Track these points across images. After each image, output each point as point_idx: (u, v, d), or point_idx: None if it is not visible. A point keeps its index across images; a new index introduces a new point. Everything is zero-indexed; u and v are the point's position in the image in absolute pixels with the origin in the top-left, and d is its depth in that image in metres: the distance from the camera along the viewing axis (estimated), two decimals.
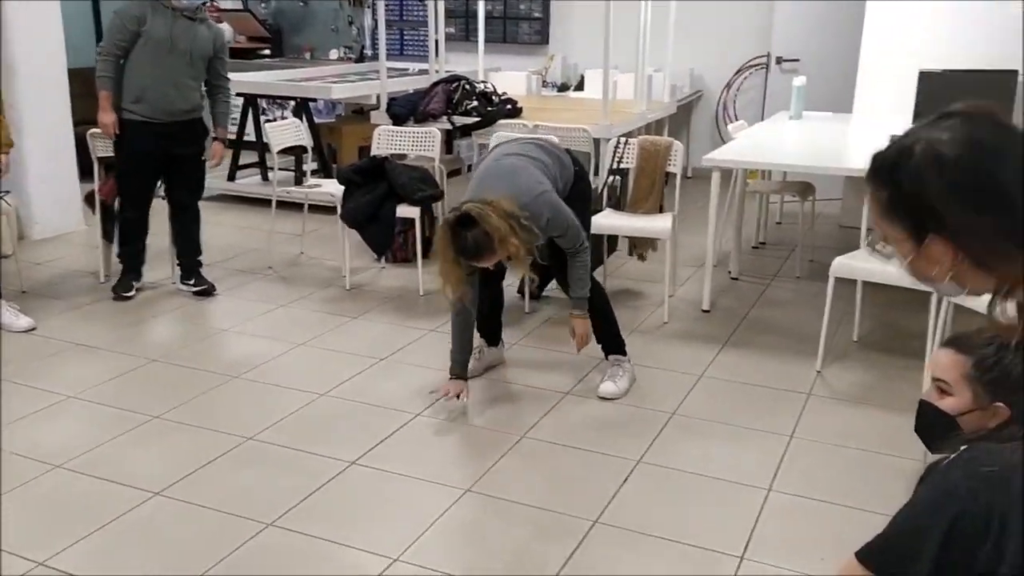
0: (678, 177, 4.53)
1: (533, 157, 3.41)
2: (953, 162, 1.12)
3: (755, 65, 7.38)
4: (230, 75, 4.81)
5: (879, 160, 1.20)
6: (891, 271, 3.61)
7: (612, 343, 3.66)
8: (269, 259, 5.30)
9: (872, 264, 3.67)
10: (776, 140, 5.05)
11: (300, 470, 2.97)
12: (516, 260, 3.08)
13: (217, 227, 6.12)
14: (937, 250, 1.16)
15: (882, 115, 5.68)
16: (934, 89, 4.91)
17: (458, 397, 3.34)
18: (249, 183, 6.94)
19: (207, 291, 4.70)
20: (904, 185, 1.16)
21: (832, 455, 3.09)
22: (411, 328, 4.25)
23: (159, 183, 4.64)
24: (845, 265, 3.69)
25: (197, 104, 4.58)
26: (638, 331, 4.23)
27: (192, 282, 4.71)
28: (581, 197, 3.64)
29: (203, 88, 4.65)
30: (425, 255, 5.30)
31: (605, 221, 4.44)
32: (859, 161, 4.41)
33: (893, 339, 4.14)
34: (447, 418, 3.35)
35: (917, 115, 4.93)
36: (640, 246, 4.75)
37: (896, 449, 3.09)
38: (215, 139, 4.70)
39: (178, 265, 4.79)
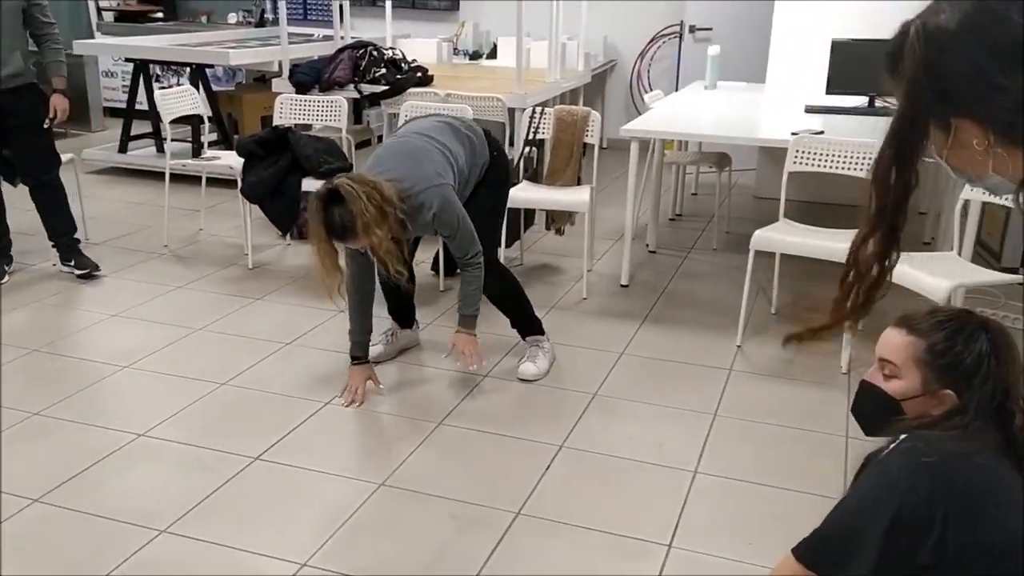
0: (596, 148, 4.39)
1: (441, 141, 3.13)
2: (951, 31, 1.01)
3: (669, 34, 7.30)
4: (117, 40, 4.43)
5: (885, 57, 1.09)
6: (808, 243, 3.57)
7: (528, 326, 3.51)
8: (164, 237, 4.97)
9: (791, 237, 3.62)
10: (692, 110, 4.96)
11: (197, 468, 2.74)
12: (377, 251, 2.83)
13: (107, 203, 5.74)
14: (966, 134, 1.06)
15: (795, 85, 5.66)
16: (846, 59, 4.89)
17: (359, 393, 3.15)
18: (142, 155, 6.53)
19: (91, 273, 4.36)
20: (908, 69, 1.04)
21: (756, 432, 3.02)
22: (318, 309, 4.02)
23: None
24: (764, 238, 3.63)
25: (20, 68, 4.07)
26: (557, 308, 4.10)
27: (73, 263, 4.37)
28: (494, 184, 3.38)
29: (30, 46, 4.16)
30: None
31: (522, 194, 4.28)
32: (773, 131, 4.37)
33: (811, 311, 4.10)
34: (357, 406, 3.15)
35: (830, 84, 4.91)
36: (558, 220, 4.62)
37: (819, 424, 3.04)
38: (54, 91, 4.21)
39: (53, 247, 4.43)
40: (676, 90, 6.86)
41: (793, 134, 4.00)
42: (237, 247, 4.85)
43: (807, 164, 3.76)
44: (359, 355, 3.20)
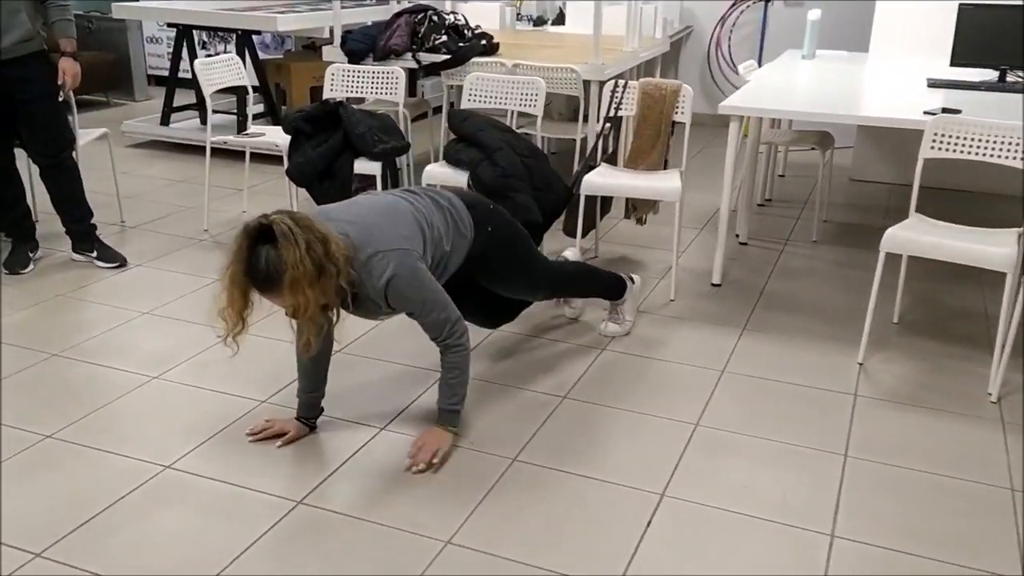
0: (687, 127, 3.84)
1: (418, 206, 2.57)
2: None
3: None
4: (159, 3, 3.97)
5: None
6: (953, 245, 3.00)
7: (613, 293, 3.31)
8: (204, 220, 4.54)
9: (929, 237, 3.05)
10: (790, 83, 4.37)
11: (232, 513, 2.30)
12: (300, 316, 2.29)
13: (145, 180, 5.35)
14: None
15: (902, 55, 5.03)
16: (974, 27, 4.25)
17: (269, 432, 2.65)
18: (185, 128, 6.12)
19: (109, 259, 3.95)
20: None
21: (899, 482, 2.49)
22: None
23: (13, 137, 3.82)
24: (899, 239, 3.06)
25: (26, 33, 3.59)
26: (641, 311, 3.58)
27: (94, 254, 3.96)
28: (503, 242, 2.80)
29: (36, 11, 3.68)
30: None
31: (600, 180, 3.75)
32: (877, 108, 3.78)
33: (939, 321, 3.54)
34: (253, 437, 2.68)
35: (955, 55, 4.28)
36: (641, 208, 4.08)
37: (975, 472, 2.50)
38: (62, 55, 3.73)
39: (65, 233, 4.01)
40: (759, 59, 6.25)
41: (927, 113, 3.41)
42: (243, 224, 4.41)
43: (948, 150, 3.17)
44: (303, 416, 2.67)
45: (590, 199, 3.81)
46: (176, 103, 6.17)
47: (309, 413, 2.67)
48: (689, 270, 4.03)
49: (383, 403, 2.85)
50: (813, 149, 4.61)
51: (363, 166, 3.94)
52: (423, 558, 2.14)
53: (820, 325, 3.48)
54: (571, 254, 3.55)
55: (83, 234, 3.96)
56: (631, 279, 3.40)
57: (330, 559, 2.13)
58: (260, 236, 2.22)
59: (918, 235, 3.06)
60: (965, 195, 4.98)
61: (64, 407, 2.79)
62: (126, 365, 3.08)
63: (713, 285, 3.86)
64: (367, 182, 4.44)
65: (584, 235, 3.85)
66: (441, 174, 3.85)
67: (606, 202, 4.16)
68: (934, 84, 4.13)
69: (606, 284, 3.33)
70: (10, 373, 3.00)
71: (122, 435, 2.65)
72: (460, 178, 3.77)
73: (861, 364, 3.16)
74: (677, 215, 3.69)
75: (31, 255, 3.92)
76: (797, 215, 4.87)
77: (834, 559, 2.17)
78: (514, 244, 2.88)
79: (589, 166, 3.89)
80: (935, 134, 3.20)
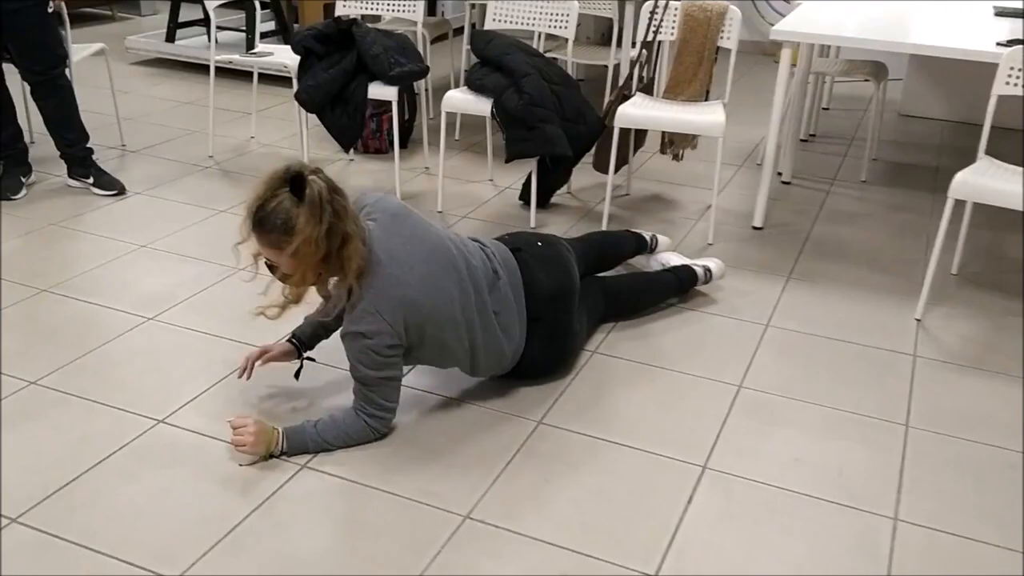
0: (732, 54, 3.51)
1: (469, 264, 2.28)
2: None
3: None
4: None
5: None
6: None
7: (684, 287, 2.97)
8: (210, 145, 4.26)
9: (1007, 185, 2.74)
10: (844, 8, 3.99)
11: (232, 477, 2.09)
12: (289, 281, 2.09)
13: (149, 101, 5.05)
14: None
15: None
16: None
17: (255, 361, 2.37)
18: (192, 45, 5.79)
19: (106, 186, 3.69)
20: None
21: (968, 458, 2.23)
22: None
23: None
24: (970, 185, 2.75)
25: None
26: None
27: (90, 180, 3.70)
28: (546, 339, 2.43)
29: None
30: (404, 145, 4.32)
31: (637, 111, 3.44)
32: (940, 37, 3.41)
33: (1002, 274, 3.25)
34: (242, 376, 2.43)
35: None
36: (678, 143, 3.77)
37: None
38: None
39: (60, 158, 3.75)
40: None
41: (1001, 45, 3.07)
42: (292, 161, 4.12)
43: None
44: (297, 337, 2.42)
45: (623, 132, 3.50)
46: (182, 18, 5.83)
47: (303, 336, 2.41)
48: (728, 212, 3.73)
49: None
50: (866, 80, 4.25)
51: (378, 91, 3.63)
52: (439, 534, 1.92)
53: (872, 274, 3.19)
54: (714, 267, 3.01)
55: (78, 159, 3.70)
56: (707, 272, 2.95)
57: (337, 530, 1.92)
58: (292, 183, 2.00)
59: (991, 181, 2.75)
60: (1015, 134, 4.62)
61: (51, 350, 2.57)
62: (120, 304, 2.84)
63: (754, 228, 3.57)
64: (382, 108, 4.14)
65: (617, 170, 3.55)
66: (462, 101, 3.54)
67: (640, 135, 3.84)
68: (1002, 13, 3.75)
69: (668, 288, 2.91)
70: None
71: (112, 383, 2.42)
72: (483, 105, 3.46)
73: (919, 320, 2.88)
74: (719, 152, 3.38)
75: (23, 180, 3.67)
76: (844, 152, 4.53)
77: (899, 547, 1.93)
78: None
79: (623, 96, 3.57)
80: (1011, 68, 2.86)
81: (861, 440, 2.29)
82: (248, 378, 2.37)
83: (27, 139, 3.83)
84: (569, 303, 2.45)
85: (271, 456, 2.12)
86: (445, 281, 2.17)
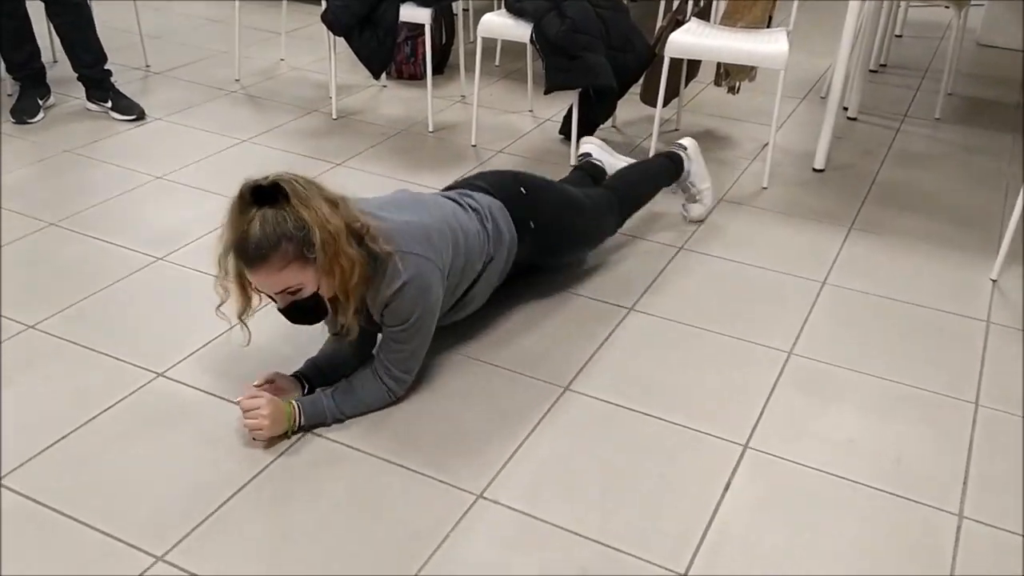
0: None
1: (459, 219, 2.12)
2: None
3: None
4: None
5: None
6: None
7: (675, 172, 2.81)
8: (236, 68, 4.05)
9: None
10: None
11: (234, 445, 1.94)
12: (342, 295, 1.86)
13: (175, 19, 4.83)
14: None
15: None
16: None
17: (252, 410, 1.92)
18: None
19: (124, 110, 3.51)
20: None
21: None
22: (413, 184, 3.09)
23: None
24: None
25: None
26: (727, 200, 3.04)
27: (108, 104, 3.53)
28: (553, 228, 2.39)
29: None
30: (439, 71, 4.06)
31: (691, 39, 3.13)
32: None
33: None
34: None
35: None
36: (735, 74, 3.45)
37: None
38: None
39: (77, 79, 3.56)
40: None
41: None
42: (321, 87, 3.91)
43: None
44: (303, 373, 2.06)
45: (675, 62, 3.20)
46: None
47: (310, 372, 2.07)
48: (786, 151, 3.43)
49: None
50: (946, 7, 3.86)
51: (410, 13, 3.36)
52: (449, 515, 1.75)
53: (944, 227, 2.90)
54: (592, 149, 2.89)
55: (95, 81, 3.52)
56: (681, 147, 2.82)
57: (338, 506, 1.76)
58: (253, 197, 1.76)
59: None
60: None
61: (53, 291, 2.43)
62: (129, 242, 2.69)
63: (815, 171, 3.27)
64: (417, 32, 3.88)
65: (667, 103, 3.27)
66: (500, 25, 3.26)
67: (693, 65, 3.53)
68: None
69: (662, 171, 2.79)
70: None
71: (113, 330, 2.28)
72: (522, 31, 3.18)
73: (995, 281, 2.60)
74: (780, 85, 3.06)
75: (40, 102, 3.50)
76: (916, 85, 4.16)
77: (963, 550, 1.72)
78: (561, 222, 2.41)
79: (677, 21, 3.26)
80: None
81: (924, 420, 2.05)
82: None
83: (49, 58, 3.67)
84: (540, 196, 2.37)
85: (289, 434, 1.94)
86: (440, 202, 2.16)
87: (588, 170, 2.81)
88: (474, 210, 2.19)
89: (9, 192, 2.95)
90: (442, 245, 2.00)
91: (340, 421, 1.98)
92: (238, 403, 1.92)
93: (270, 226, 1.74)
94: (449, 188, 2.38)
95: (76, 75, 3.52)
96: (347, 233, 1.81)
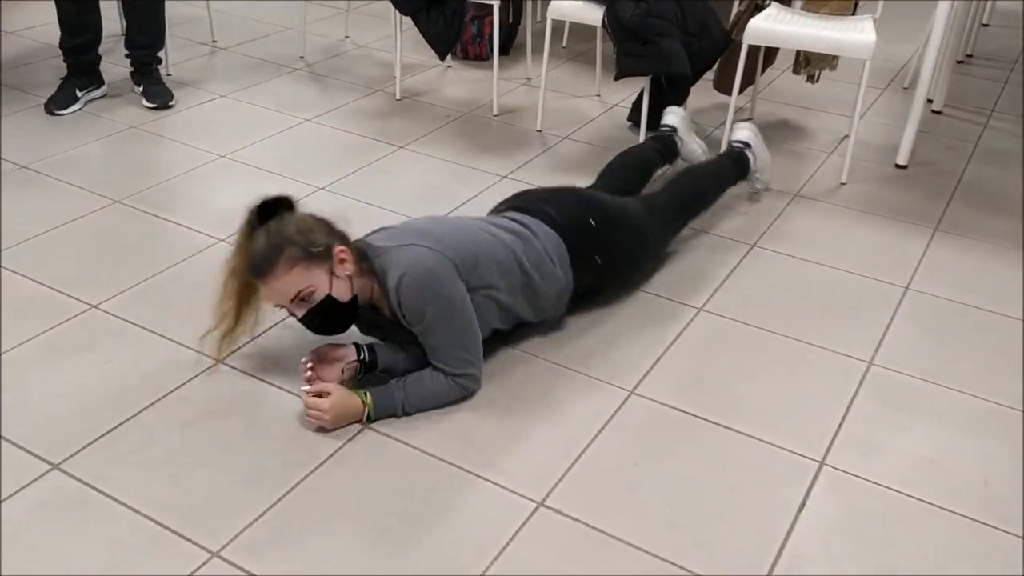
0: None
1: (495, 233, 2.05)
2: None
3: None
4: None
5: None
6: None
7: (742, 167, 2.76)
8: (302, 45, 4.01)
9: None
10: None
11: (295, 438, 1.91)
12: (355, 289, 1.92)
13: None
14: None
15: None
16: None
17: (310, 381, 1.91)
18: None
19: (149, 95, 3.40)
20: None
21: None
22: (475, 170, 3.02)
23: None
24: None
25: None
26: (802, 196, 2.92)
27: (140, 88, 3.45)
28: (620, 258, 2.29)
29: None
30: (505, 52, 3.98)
31: (772, 26, 2.99)
32: None
33: None
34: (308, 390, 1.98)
35: None
36: (815, 62, 3.30)
37: None
38: None
39: (126, 56, 3.47)
40: None
41: None
42: (386, 66, 3.86)
43: None
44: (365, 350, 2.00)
45: (753, 49, 3.07)
46: None
47: (370, 354, 1.99)
48: (866, 144, 3.28)
49: None
50: None
51: None
52: (510, 521, 1.69)
53: None
54: (675, 120, 2.86)
55: (138, 63, 3.44)
56: (744, 145, 2.75)
57: (393, 509, 1.71)
58: (260, 214, 1.89)
59: None
60: None
61: (116, 270, 2.42)
62: (192, 222, 2.67)
63: (897, 167, 3.12)
64: (484, 11, 3.79)
65: (742, 90, 3.14)
66: (571, 9, 3.16)
67: (770, 52, 3.39)
68: None
69: (726, 176, 2.69)
70: (65, 220, 2.64)
71: (173, 313, 2.25)
72: (593, 14, 3.08)
73: None
74: (864, 75, 2.92)
75: (79, 93, 3.35)
76: (1005, 78, 3.96)
77: None
78: (629, 257, 2.32)
79: (757, 6, 3.12)
80: None
81: (1013, 439, 1.93)
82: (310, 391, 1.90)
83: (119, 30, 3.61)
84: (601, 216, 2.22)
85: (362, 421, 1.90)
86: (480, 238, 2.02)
87: (663, 143, 2.78)
88: (516, 234, 2.06)
89: (74, 167, 2.95)
90: (451, 240, 1.93)
91: (409, 414, 1.93)
92: (306, 390, 1.88)
93: (272, 235, 1.83)
94: (508, 202, 2.27)
95: (126, 53, 3.47)
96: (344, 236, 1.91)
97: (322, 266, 1.84)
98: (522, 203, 2.23)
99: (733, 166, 2.71)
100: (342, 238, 1.92)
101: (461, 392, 1.96)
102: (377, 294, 1.94)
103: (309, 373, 1.91)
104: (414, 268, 1.85)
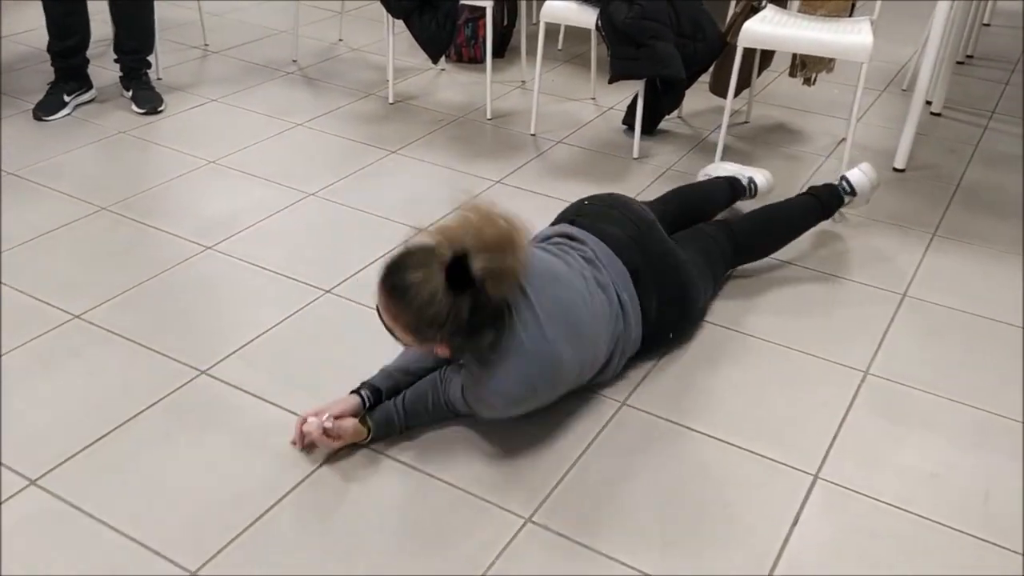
0: None
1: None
2: None
3: None
4: None
5: None
6: None
7: (826, 210, 2.57)
8: (295, 48, 3.97)
9: None
10: None
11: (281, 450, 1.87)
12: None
13: None
14: None
15: None
16: None
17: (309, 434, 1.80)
18: None
19: (138, 100, 3.35)
20: None
21: None
22: (470, 176, 2.98)
23: None
24: None
25: None
26: None
27: (129, 93, 3.40)
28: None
29: None
30: (500, 55, 3.94)
31: (768, 28, 2.95)
32: None
33: None
34: (298, 446, 1.91)
35: None
36: (812, 65, 3.26)
37: None
38: None
39: (115, 61, 3.44)
40: None
41: None
42: (379, 69, 3.82)
43: None
44: (369, 389, 1.88)
45: (748, 52, 3.03)
46: None
47: (374, 392, 1.88)
48: (864, 148, 3.24)
49: None
50: None
51: None
52: (497, 538, 1.65)
53: None
54: (761, 178, 2.72)
55: (127, 68, 3.41)
56: (847, 188, 2.58)
57: (381, 524, 1.67)
58: (450, 271, 1.62)
59: None
60: None
61: (101, 279, 2.38)
62: (178, 229, 2.63)
63: (895, 170, 3.08)
64: (478, 13, 3.75)
65: (737, 93, 3.10)
66: (563, 11, 3.12)
67: (766, 54, 3.35)
68: None
69: (808, 216, 2.52)
70: (50, 228, 2.60)
71: (158, 323, 2.21)
72: (587, 16, 3.04)
73: None
74: (861, 78, 2.87)
75: (67, 98, 3.31)
76: (1005, 79, 3.91)
77: None
78: (690, 318, 2.22)
79: (752, 8, 3.08)
80: None
81: (1015, 453, 1.89)
82: (302, 447, 1.84)
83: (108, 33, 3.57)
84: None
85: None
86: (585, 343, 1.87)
87: (731, 186, 2.66)
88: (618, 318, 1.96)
89: (60, 174, 2.92)
90: (591, 336, 1.87)
91: (408, 429, 1.88)
92: (327, 429, 1.78)
93: (406, 288, 1.64)
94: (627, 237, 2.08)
95: (114, 57, 3.43)
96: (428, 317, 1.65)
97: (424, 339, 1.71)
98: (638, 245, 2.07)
99: (819, 208, 2.54)
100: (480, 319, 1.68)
101: (456, 411, 1.90)
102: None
103: (328, 425, 1.79)
104: (519, 386, 1.75)
